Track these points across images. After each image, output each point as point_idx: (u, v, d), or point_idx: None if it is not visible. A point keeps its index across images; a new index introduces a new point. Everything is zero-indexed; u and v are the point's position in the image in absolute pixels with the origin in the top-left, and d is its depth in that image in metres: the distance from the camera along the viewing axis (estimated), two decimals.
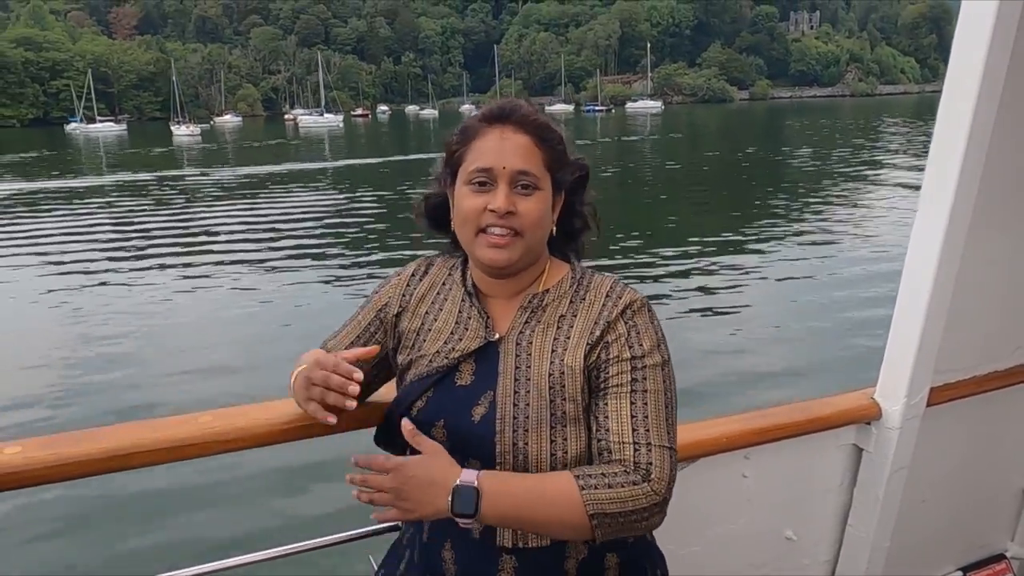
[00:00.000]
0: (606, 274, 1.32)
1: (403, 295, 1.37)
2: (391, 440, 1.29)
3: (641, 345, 1.22)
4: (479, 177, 1.22)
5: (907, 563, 2.14)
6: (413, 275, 1.39)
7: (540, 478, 1.17)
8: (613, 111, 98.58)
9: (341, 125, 78.61)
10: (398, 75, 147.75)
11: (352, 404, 1.20)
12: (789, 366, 8.12)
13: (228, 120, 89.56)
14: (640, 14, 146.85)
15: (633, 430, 1.17)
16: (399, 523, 1.40)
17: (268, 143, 56.86)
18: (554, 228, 1.30)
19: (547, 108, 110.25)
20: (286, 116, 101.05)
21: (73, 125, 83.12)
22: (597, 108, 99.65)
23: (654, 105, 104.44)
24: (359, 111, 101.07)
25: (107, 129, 78.60)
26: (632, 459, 1.16)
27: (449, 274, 1.37)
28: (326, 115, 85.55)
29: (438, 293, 1.36)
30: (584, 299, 1.27)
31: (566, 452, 1.19)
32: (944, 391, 1.98)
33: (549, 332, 1.25)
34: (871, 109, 79.80)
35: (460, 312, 1.31)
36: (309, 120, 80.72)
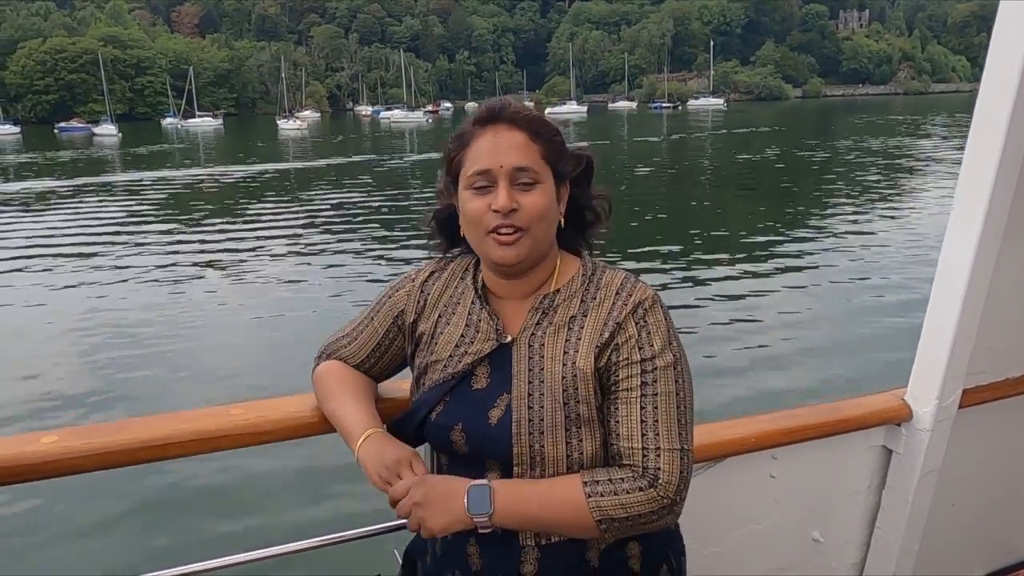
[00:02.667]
0: (617, 269, 1.33)
1: (417, 300, 1.38)
2: (409, 437, 1.33)
3: (652, 346, 1.22)
4: (479, 180, 1.23)
5: (935, 567, 2.11)
6: (427, 279, 1.40)
7: (550, 483, 1.21)
8: (680, 108, 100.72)
9: (430, 121, 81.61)
10: (452, 72, 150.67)
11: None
12: (823, 365, 8.21)
13: (308, 116, 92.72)
14: (692, 12, 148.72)
15: (643, 435, 1.20)
16: None
17: (362, 136, 59.97)
18: (562, 220, 1.30)
19: (610, 105, 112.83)
20: (363, 112, 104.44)
21: (169, 120, 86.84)
22: (664, 105, 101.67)
23: (716, 102, 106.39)
24: (430, 107, 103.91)
25: (205, 124, 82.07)
26: (641, 464, 1.19)
27: (462, 277, 1.38)
28: (413, 112, 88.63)
29: (451, 296, 1.37)
30: (595, 298, 1.28)
31: (582, 452, 1.22)
32: (976, 393, 1.96)
33: (560, 334, 1.26)
34: (934, 106, 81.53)
35: (471, 315, 1.32)
36: (400, 115, 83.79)
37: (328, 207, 21.50)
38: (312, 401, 1.41)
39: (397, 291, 1.41)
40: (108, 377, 8.32)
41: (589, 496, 1.17)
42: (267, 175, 32.43)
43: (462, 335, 1.32)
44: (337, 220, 19.21)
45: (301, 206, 22.03)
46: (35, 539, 5.06)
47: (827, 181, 25.41)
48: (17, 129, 74.94)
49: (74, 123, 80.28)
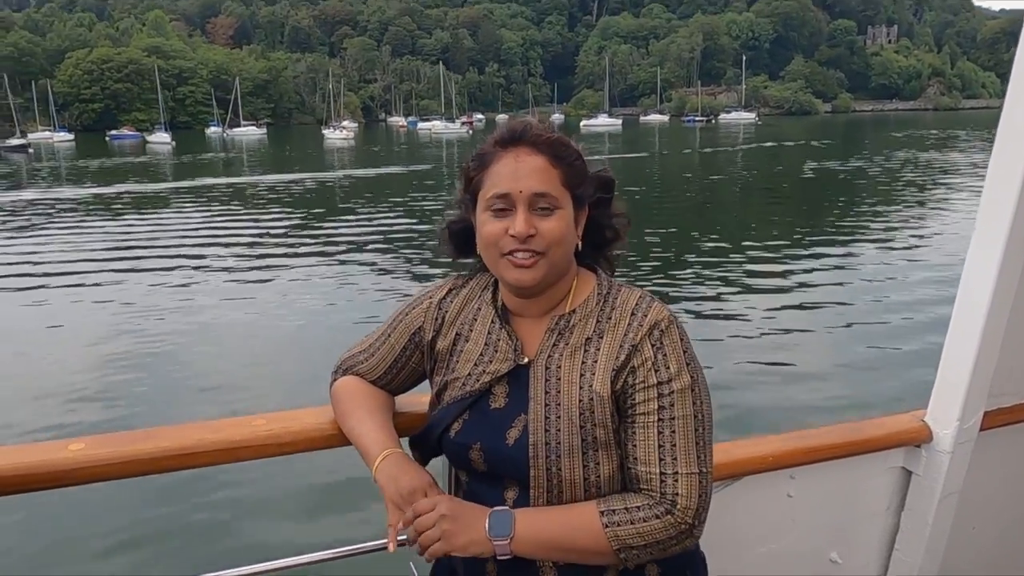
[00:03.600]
0: (633, 288, 1.32)
1: (435, 318, 1.38)
2: (425, 449, 1.36)
3: (668, 368, 1.22)
4: (497, 203, 1.23)
5: None
6: (446, 296, 1.40)
7: (567, 511, 1.21)
8: (713, 122, 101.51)
9: (470, 132, 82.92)
10: (482, 84, 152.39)
11: (393, 548, 1.25)
12: (844, 384, 8.17)
13: (347, 125, 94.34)
14: (720, 27, 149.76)
15: (660, 459, 1.19)
16: None
17: (412, 146, 61.00)
18: (579, 243, 1.30)
19: (642, 118, 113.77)
20: (399, 123, 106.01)
21: (212, 129, 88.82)
22: (697, 118, 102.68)
23: (748, 116, 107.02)
24: (464, 119, 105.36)
25: (249, 133, 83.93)
26: (659, 490, 1.19)
27: (480, 295, 1.38)
28: (452, 123, 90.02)
29: (469, 314, 1.37)
30: (610, 318, 1.27)
31: (599, 475, 1.22)
32: (998, 415, 1.94)
33: (576, 356, 1.26)
34: (966, 121, 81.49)
35: (490, 334, 1.33)
36: (440, 126, 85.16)
37: (416, 214, 22.18)
38: (333, 413, 1.42)
39: (414, 308, 1.41)
40: (133, 385, 8.36)
41: (607, 526, 1.18)
42: (347, 182, 33.59)
43: (481, 354, 1.32)
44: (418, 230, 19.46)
45: (397, 211, 22.86)
46: (62, 544, 5.09)
47: (858, 195, 25.58)
48: (71, 136, 77.20)
49: (125, 131, 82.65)
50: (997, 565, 2.22)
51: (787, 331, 10.07)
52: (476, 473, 1.30)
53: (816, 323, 10.49)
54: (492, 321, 1.34)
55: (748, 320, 10.60)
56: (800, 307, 11.39)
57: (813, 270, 13.83)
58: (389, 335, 1.41)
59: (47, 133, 76.04)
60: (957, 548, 2.00)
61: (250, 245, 17.29)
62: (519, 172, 1.22)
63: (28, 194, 29.94)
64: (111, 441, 1.34)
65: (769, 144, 55.53)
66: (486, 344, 1.32)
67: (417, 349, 1.39)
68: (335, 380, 1.46)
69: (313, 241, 17.86)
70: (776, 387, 8.02)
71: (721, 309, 11.25)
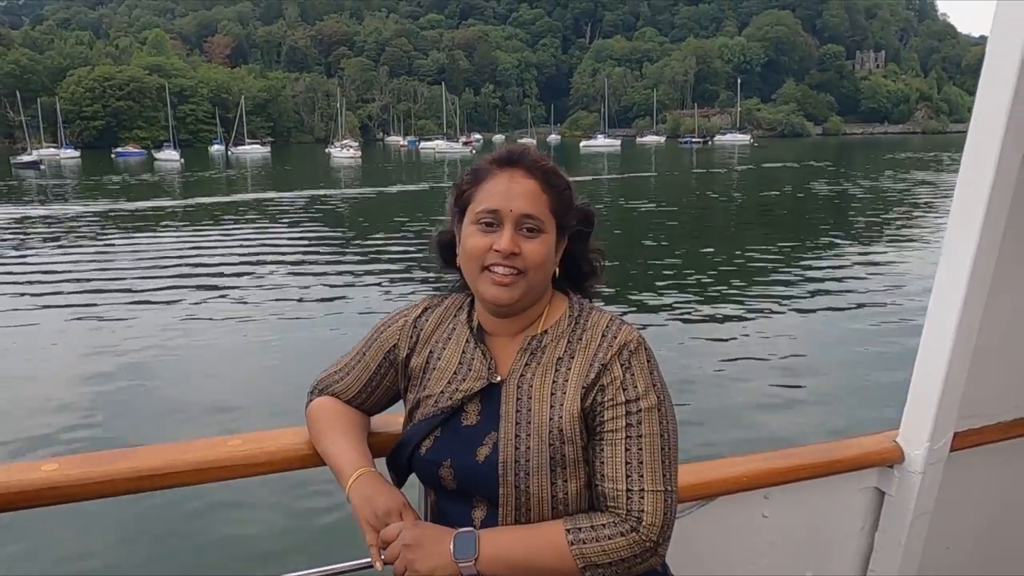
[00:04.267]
0: (604, 310, 1.35)
1: (410, 336, 1.40)
2: (399, 468, 1.36)
3: (635, 388, 1.24)
4: (486, 218, 1.26)
5: None
6: (421, 315, 1.42)
7: (534, 530, 1.23)
8: (709, 143, 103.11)
9: (473, 152, 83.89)
10: (478, 105, 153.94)
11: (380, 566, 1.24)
12: (819, 401, 8.19)
13: (352, 144, 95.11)
14: (713, 51, 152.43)
15: (627, 476, 1.21)
16: None
17: (419, 165, 61.51)
18: (557, 270, 1.34)
19: (638, 139, 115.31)
20: (399, 143, 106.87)
21: (216, 147, 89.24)
22: (694, 140, 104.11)
23: (743, 138, 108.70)
24: (464, 139, 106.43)
25: (254, 151, 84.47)
26: (624, 507, 1.20)
27: (455, 314, 1.40)
28: (454, 143, 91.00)
29: (444, 332, 1.39)
30: (581, 339, 1.30)
31: (567, 492, 1.24)
32: (968, 436, 1.96)
33: (548, 376, 1.29)
34: (952, 144, 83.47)
35: (464, 352, 1.35)
36: (443, 146, 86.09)
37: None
38: (307, 434, 1.43)
39: (389, 326, 1.43)
40: (114, 404, 8.26)
41: (572, 544, 1.19)
42: (362, 199, 34.15)
43: (455, 372, 1.33)
44: None
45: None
46: (35, 564, 5.08)
47: (849, 216, 25.91)
48: (77, 153, 77.35)
49: (130, 148, 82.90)
50: None
51: (762, 353, 9.99)
52: (445, 491, 1.31)
53: (809, 339, 10.66)
54: (467, 340, 1.36)
55: (741, 336, 10.70)
56: (795, 320, 11.63)
57: (824, 280, 14.29)
58: (364, 354, 1.43)
59: (52, 150, 76.04)
60: (931, 568, 2.02)
61: (264, 263, 17.15)
62: (512, 192, 1.26)
63: (42, 210, 29.95)
64: (85, 462, 1.32)
65: (773, 165, 56.66)
66: (460, 363, 1.34)
67: (392, 367, 1.40)
68: (310, 400, 1.46)
69: (339, 260, 17.88)
70: (754, 409, 7.92)
71: (696, 331, 11.21)
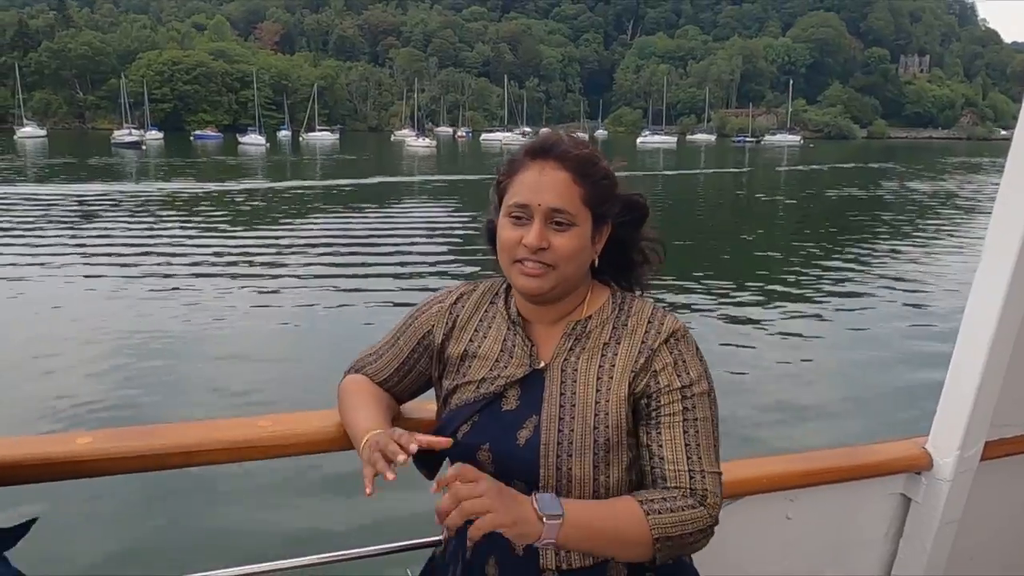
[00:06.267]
0: (646, 299, 1.36)
1: (446, 322, 1.39)
2: (429, 461, 1.32)
3: (689, 374, 1.26)
4: (516, 211, 1.26)
5: None
6: (456, 301, 1.41)
7: (608, 501, 1.22)
8: (760, 142, 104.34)
9: None
10: (521, 99, 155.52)
11: (391, 476, 1.15)
12: (846, 408, 7.99)
13: (407, 134, 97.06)
14: (758, 51, 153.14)
15: (688, 458, 1.23)
16: (440, 538, 1.43)
17: (495, 156, 62.85)
18: (596, 259, 1.32)
19: (688, 137, 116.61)
20: (459, 135, 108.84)
21: (283, 133, 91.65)
22: (747, 139, 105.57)
23: (793, 139, 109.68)
24: (519, 131, 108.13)
25: (323, 138, 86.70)
26: (688, 486, 1.22)
27: (492, 301, 1.40)
28: (518, 135, 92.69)
29: (481, 319, 1.38)
30: (627, 325, 1.30)
31: (608, 477, 1.24)
32: (1000, 446, 1.93)
33: (594, 360, 1.29)
34: (1002, 151, 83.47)
35: (505, 340, 1.34)
36: (510, 137, 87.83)
37: None
38: (337, 417, 1.42)
39: (424, 312, 1.43)
40: (148, 380, 8.36)
41: (648, 514, 1.18)
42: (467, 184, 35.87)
43: (496, 359, 1.33)
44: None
45: None
46: (82, 536, 5.09)
47: (896, 219, 25.83)
48: (161, 135, 79.89)
49: (208, 131, 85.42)
50: None
51: (807, 352, 9.99)
52: None
53: (839, 341, 10.52)
54: (507, 327, 1.36)
55: (759, 339, 10.62)
56: (826, 322, 11.56)
57: (830, 293, 13.75)
58: (398, 339, 1.43)
59: (139, 132, 78.54)
60: None
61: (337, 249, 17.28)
62: (541, 185, 1.24)
63: (198, 188, 31.36)
64: (119, 436, 1.35)
65: (844, 165, 57.60)
66: (502, 350, 1.34)
67: (426, 353, 1.40)
68: (343, 379, 1.48)
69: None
70: (783, 405, 7.93)
71: (732, 329, 11.12)
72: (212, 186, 32.50)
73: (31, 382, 8.23)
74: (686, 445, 1.23)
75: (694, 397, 1.25)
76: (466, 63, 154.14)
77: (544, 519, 1.10)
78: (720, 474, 1.25)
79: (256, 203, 27.11)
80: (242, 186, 32.91)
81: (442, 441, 1.21)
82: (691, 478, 1.22)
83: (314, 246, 17.60)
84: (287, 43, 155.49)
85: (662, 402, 1.25)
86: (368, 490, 1.15)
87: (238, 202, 27.09)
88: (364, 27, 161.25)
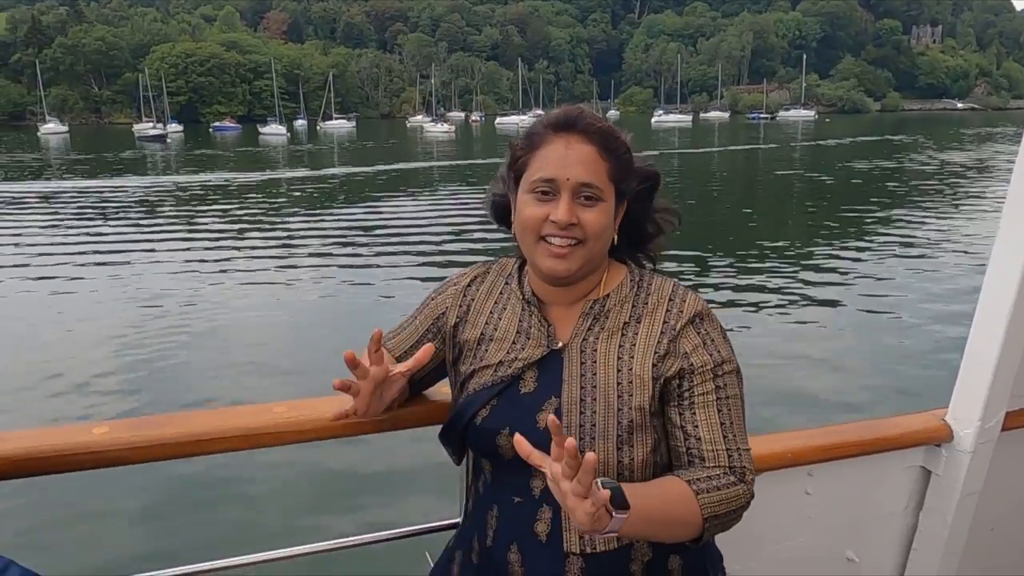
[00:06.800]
0: (665, 276, 1.33)
1: (460, 304, 1.37)
2: (455, 443, 1.33)
3: (719, 352, 1.24)
4: (542, 187, 1.22)
5: None
6: (471, 283, 1.39)
7: (658, 483, 1.19)
8: (775, 119, 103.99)
9: None
10: (532, 81, 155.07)
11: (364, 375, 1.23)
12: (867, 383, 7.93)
13: (423, 119, 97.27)
14: (769, 26, 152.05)
15: (724, 436, 1.22)
16: (458, 520, 1.45)
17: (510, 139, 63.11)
18: (615, 237, 1.29)
19: (702, 115, 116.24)
20: (473, 118, 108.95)
21: (299, 122, 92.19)
22: (762, 116, 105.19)
23: (807, 114, 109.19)
24: (531, 114, 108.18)
25: (340, 126, 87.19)
26: (727, 464, 1.21)
27: (507, 282, 1.37)
28: (531, 118, 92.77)
29: (496, 302, 1.36)
30: (646, 303, 1.28)
31: (632, 459, 1.22)
32: (1020, 416, 1.92)
33: (614, 339, 1.26)
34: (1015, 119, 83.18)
35: (521, 321, 1.31)
36: (527, 120, 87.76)
37: None
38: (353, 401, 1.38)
39: (440, 293, 1.41)
40: (164, 368, 8.40)
41: (698, 493, 1.17)
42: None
43: (513, 341, 1.31)
44: None
45: None
46: (85, 528, 5.13)
47: (915, 190, 25.51)
48: (181, 128, 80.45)
49: (227, 123, 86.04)
50: (1016, 566, 2.21)
51: (821, 324, 10.01)
52: (502, 460, 1.27)
53: (862, 317, 10.37)
54: (522, 308, 1.33)
55: (772, 313, 10.58)
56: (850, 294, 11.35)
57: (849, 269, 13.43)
58: (415, 317, 1.42)
59: (159, 125, 79.12)
60: (975, 549, 2.00)
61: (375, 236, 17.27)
62: (568, 159, 1.21)
63: (240, 178, 31.76)
64: (136, 426, 1.35)
65: (866, 139, 57.47)
66: (518, 332, 1.31)
67: (439, 333, 1.38)
68: None
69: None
70: (801, 381, 7.97)
71: (745, 301, 11.06)
72: (254, 176, 33.10)
73: (70, 372, 8.30)
74: (721, 424, 1.23)
75: (725, 376, 1.24)
76: (475, 47, 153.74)
77: (614, 513, 1.03)
78: (750, 451, 1.25)
79: (308, 189, 27.69)
80: (289, 175, 33.46)
81: (426, 349, 1.26)
82: (729, 456, 1.22)
83: (371, 229, 17.91)
84: (295, 32, 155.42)
85: (695, 382, 1.23)
86: (336, 383, 1.21)
87: (292, 190, 27.66)
88: (371, 14, 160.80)
